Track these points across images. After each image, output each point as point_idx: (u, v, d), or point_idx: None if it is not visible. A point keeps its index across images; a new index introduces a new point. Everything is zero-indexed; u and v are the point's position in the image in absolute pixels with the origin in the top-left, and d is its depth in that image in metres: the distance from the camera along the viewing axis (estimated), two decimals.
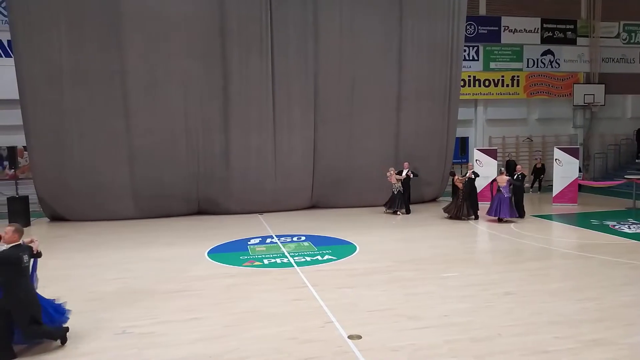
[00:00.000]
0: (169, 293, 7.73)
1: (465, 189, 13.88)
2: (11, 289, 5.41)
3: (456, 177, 14.47)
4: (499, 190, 13.45)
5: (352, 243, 11.06)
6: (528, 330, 6.05)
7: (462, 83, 18.49)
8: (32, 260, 5.81)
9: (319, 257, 9.81)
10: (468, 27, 19.28)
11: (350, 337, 5.88)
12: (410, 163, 15.65)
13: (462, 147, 18.74)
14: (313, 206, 16.38)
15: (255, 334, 6.06)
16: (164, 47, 14.31)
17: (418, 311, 6.71)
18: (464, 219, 13.72)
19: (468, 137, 20.16)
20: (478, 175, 14.24)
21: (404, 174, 15.01)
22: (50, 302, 6.05)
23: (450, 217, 13.89)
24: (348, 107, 15.95)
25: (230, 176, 15.28)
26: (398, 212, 14.86)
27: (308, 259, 9.71)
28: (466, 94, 20.13)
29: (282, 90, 15.38)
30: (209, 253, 10.40)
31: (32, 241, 5.82)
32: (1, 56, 16.44)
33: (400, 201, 14.87)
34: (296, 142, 15.70)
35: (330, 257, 9.84)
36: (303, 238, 11.69)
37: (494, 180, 13.97)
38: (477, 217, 13.85)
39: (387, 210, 15.01)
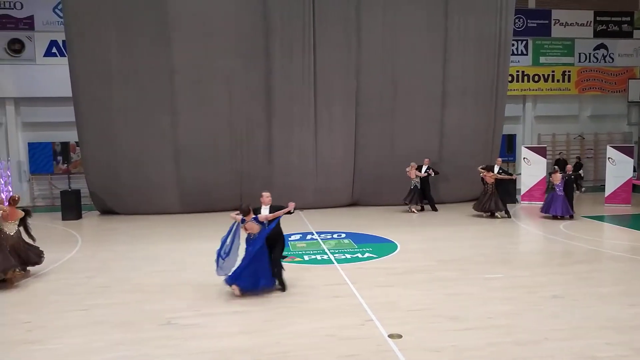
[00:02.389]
0: (211, 286, 7.87)
1: (494, 185, 13.69)
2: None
3: (489, 172, 13.82)
4: (552, 188, 13.37)
5: (392, 241, 10.95)
6: (576, 334, 5.81)
7: (509, 78, 17.93)
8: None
9: (359, 255, 9.77)
10: (517, 20, 18.68)
11: (390, 336, 5.82)
12: (454, 160, 15.32)
13: (509, 145, 18.20)
14: (354, 204, 16.31)
15: (295, 329, 6.10)
16: (210, 46, 14.60)
17: (460, 312, 6.56)
18: (496, 215, 13.56)
19: (515, 135, 19.58)
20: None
21: (423, 170, 14.80)
22: None
23: (479, 211, 13.78)
24: (390, 103, 15.77)
25: (272, 173, 15.44)
26: (412, 209, 14.76)
27: (348, 256, 9.69)
28: (514, 90, 19.52)
29: (323, 86, 15.38)
30: None
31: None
32: (56, 55, 17.26)
33: (417, 197, 14.71)
34: (337, 139, 15.66)
35: (370, 255, 9.78)
36: (343, 235, 11.67)
37: (550, 175, 13.80)
38: (509, 215, 13.70)
39: (406, 203, 14.87)
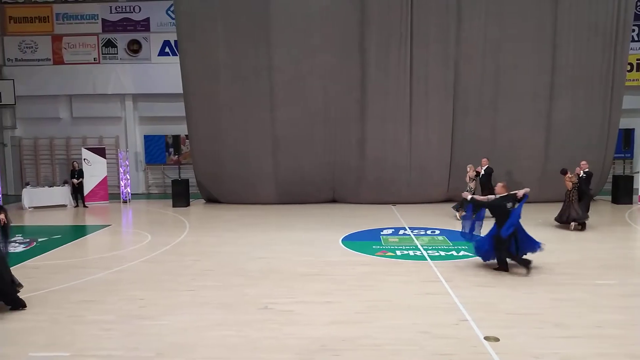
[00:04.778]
0: (306, 275, 8.15)
1: (575, 190, 11.50)
2: (501, 223, 8.14)
3: (567, 174, 11.67)
4: None
5: None
6: None
7: (628, 67, 16.29)
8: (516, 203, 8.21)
9: (454, 253, 9.51)
10: (639, 3, 16.89)
11: (486, 338, 5.62)
12: (562, 157, 14.28)
13: (625, 140, 16.57)
14: (449, 199, 15.84)
15: (387, 323, 6.10)
16: (307, 42, 14.98)
17: (566, 318, 6.15)
18: (571, 228, 11.41)
19: (634, 129, 17.74)
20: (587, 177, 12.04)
21: (482, 172, 13.05)
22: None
23: (559, 222, 11.69)
24: (492, 96, 15.12)
25: (365, 166, 15.52)
26: (458, 217, 12.78)
27: (442, 253, 9.47)
28: (634, 80, 17.73)
29: (420, 79, 15.12)
30: (343, 240, 10.71)
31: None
32: (169, 55, 18.67)
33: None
34: (433, 133, 15.35)
35: (466, 253, 9.46)
36: (437, 232, 11.41)
37: None
38: (583, 227, 11.44)
39: (458, 210, 13.00)
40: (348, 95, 15.31)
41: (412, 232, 11.47)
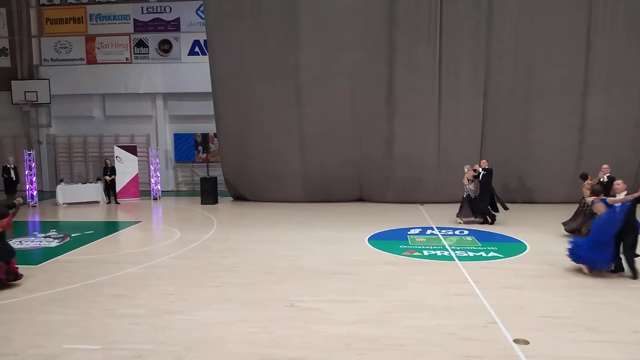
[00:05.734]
0: (331, 274, 8.14)
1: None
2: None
3: (587, 180, 10.62)
4: None
5: (521, 241, 10.28)
6: None
7: None
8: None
9: (483, 253, 9.34)
10: None
11: (516, 341, 5.50)
12: (596, 157, 13.88)
13: None
14: None
15: (413, 323, 6.05)
16: (335, 40, 14.94)
17: (599, 323, 5.97)
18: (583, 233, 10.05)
19: None
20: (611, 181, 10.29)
21: (480, 170, 12.23)
22: None
23: (571, 233, 10.45)
24: (524, 93, 14.78)
25: (392, 165, 15.40)
26: (459, 221, 12.30)
27: (471, 254, 9.32)
28: None
29: (449, 77, 14.91)
30: (369, 239, 10.66)
31: None
32: (198, 54, 18.91)
33: (466, 208, 12.24)
34: (462, 132, 15.09)
35: (495, 254, 9.30)
36: (466, 232, 11.24)
37: None
38: None
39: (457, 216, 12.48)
40: (376, 93, 15.21)
41: (439, 232, 11.33)
